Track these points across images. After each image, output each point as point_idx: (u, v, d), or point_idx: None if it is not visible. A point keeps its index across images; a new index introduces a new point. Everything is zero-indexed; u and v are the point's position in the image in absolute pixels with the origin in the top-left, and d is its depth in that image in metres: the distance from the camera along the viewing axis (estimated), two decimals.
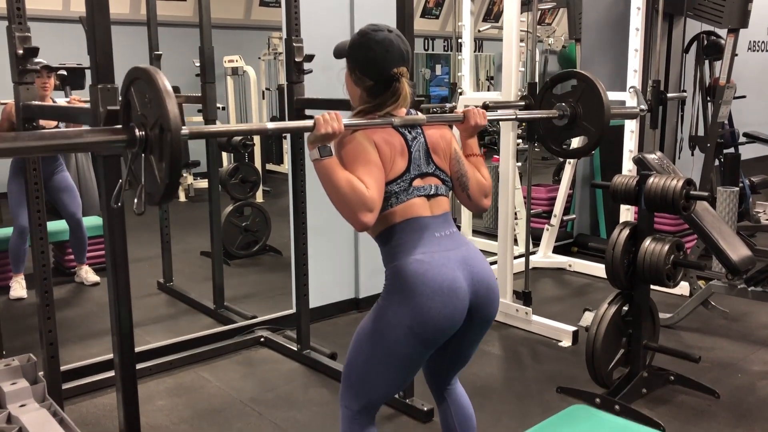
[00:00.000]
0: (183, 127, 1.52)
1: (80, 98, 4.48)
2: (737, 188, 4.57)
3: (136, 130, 1.60)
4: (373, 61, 1.81)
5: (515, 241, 4.47)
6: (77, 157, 5.66)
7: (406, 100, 1.85)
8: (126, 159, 1.68)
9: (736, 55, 5.16)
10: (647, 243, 2.89)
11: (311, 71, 3.16)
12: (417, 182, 1.84)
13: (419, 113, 1.92)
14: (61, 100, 4.51)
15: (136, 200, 1.65)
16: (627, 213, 4.39)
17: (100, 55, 1.97)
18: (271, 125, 1.81)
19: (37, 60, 4.11)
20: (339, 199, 1.70)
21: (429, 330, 1.75)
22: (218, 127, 1.78)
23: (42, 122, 4.19)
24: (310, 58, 3.13)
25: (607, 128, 2.45)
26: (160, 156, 1.55)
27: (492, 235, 5.11)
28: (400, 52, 1.83)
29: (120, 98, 1.72)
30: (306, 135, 1.78)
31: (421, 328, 1.75)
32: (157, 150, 1.56)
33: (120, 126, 1.67)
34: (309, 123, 1.72)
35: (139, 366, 3.11)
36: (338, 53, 1.92)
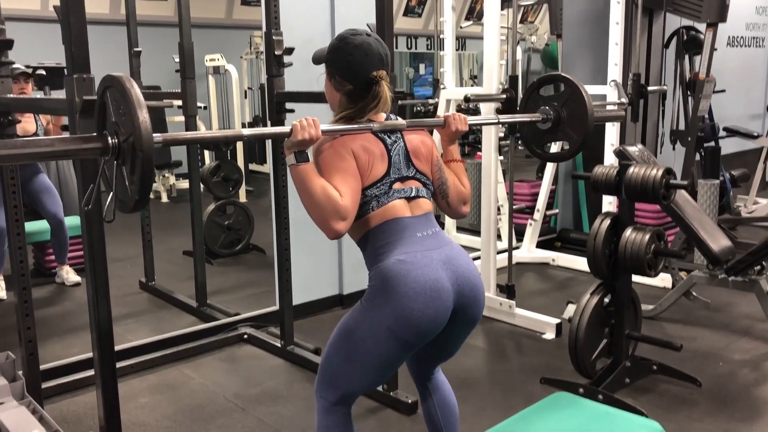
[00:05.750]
0: (156, 135, 1.51)
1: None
2: (718, 181, 4.62)
3: (110, 139, 1.57)
4: (352, 65, 1.81)
5: (498, 236, 4.48)
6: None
7: (387, 104, 1.86)
8: (99, 164, 1.66)
9: (716, 49, 5.23)
10: (628, 232, 2.90)
11: (291, 64, 3.15)
12: (397, 185, 1.84)
13: (399, 118, 1.92)
14: None
15: (106, 208, 1.64)
16: (609, 207, 4.42)
17: (75, 44, 1.94)
18: (246, 132, 1.80)
19: (15, 66, 4.10)
20: (312, 205, 1.70)
21: (410, 332, 1.72)
22: (192, 134, 1.76)
23: (19, 116, 4.15)
24: (290, 51, 3.12)
25: (589, 134, 2.43)
26: (131, 169, 1.54)
27: (475, 231, 5.11)
28: (379, 55, 1.83)
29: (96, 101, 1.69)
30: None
31: (402, 330, 1.72)
32: (129, 162, 1.55)
33: (94, 134, 1.63)
34: (286, 129, 1.72)
35: (120, 364, 3.10)
36: (317, 59, 1.93)
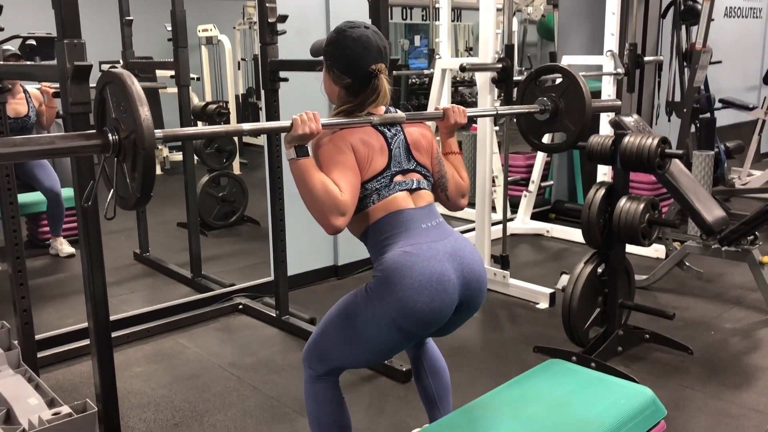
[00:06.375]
0: (157, 132, 1.49)
1: (51, 84, 4.39)
2: (713, 152, 4.62)
3: (110, 135, 1.55)
4: (351, 58, 1.79)
5: (493, 208, 4.47)
6: (49, 132, 5.56)
7: (386, 97, 1.84)
8: (99, 161, 1.64)
9: (713, 20, 5.18)
10: (623, 202, 2.90)
11: (285, 32, 3.11)
12: (398, 178, 1.83)
13: (398, 111, 1.90)
14: (32, 87, 4.42)
15: (107, 205, 1.62)
16: (604, 179, 4.42)
17: (65, 8, 1.91)
18: (246, 126, 1.77)
19: (5, 47, 4.03)
20: (312, 200, 1.68)
21: (414, 324, 1.72)
22: (193, 129, 1.76)
23: (10, 98, 4.11)
24: (283, 18, 3.08)
25: (586, 126, 2.41)
26: (132, 166, 1.52)
27: (470, 203, 5.12)
28: (377, 48, 1.81)
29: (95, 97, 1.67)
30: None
31: (406, 322, 1.71)
32: (130, 159, 1.53)
33: (94, 131, 1.61)
34: (286, 123, 1.70)
35: (116, 334, 3.11)
36: (315, 52, 1.90)
